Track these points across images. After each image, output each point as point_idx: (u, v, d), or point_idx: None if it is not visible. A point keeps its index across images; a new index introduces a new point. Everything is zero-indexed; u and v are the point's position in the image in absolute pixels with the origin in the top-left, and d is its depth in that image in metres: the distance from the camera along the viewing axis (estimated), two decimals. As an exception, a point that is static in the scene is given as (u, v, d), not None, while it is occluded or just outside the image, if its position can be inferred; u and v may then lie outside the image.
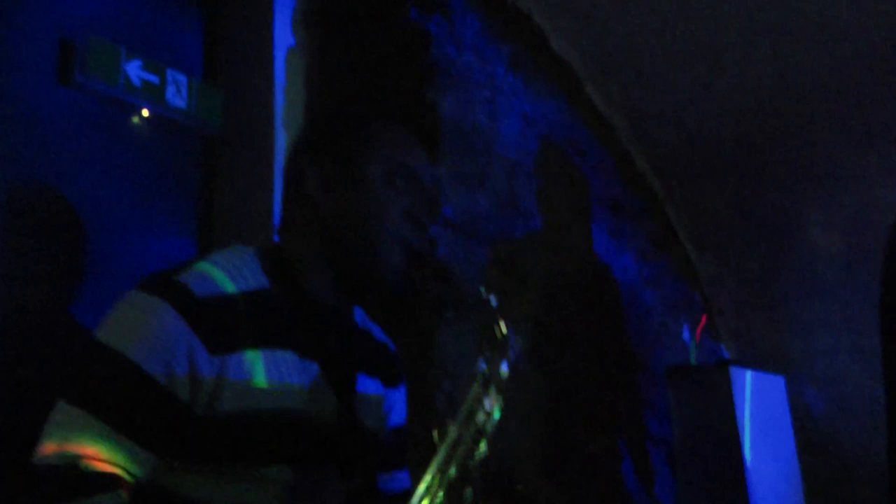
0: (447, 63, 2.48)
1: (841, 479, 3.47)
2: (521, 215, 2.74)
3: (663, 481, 3.16)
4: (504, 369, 1.11)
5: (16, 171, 1.71)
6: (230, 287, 1.05)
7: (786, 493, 3.04)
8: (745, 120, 3.23)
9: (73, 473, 0.92)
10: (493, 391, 1.09)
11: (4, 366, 1.56)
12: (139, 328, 0.99)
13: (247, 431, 1.01)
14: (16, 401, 1.55)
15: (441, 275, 1.19)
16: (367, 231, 1.14)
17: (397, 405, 1.33)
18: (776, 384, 3.25)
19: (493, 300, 1.14)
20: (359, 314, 1.30)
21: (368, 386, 1.22)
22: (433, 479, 1.02)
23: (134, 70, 1.92)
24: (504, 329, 1.13)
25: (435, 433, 1.07)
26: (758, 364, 3.27)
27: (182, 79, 2.04)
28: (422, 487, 1.01)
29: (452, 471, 1.02)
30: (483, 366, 1.10)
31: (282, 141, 2.09)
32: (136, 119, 2.00)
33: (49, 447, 0.94)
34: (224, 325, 1.02)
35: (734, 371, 2.99)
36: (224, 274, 1.07)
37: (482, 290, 1.14)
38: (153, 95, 1.97)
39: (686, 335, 3.44)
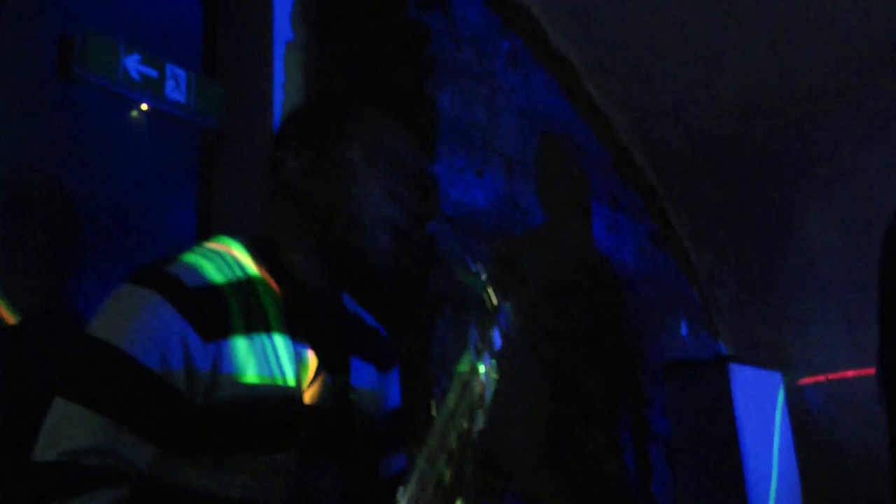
0: (446, 58, 2.48)
1: (838, 475, 3.48)
2: (520, 211, 2.74)
3: (661, 477, 3.16)
4: (496, 339, 1.12)
5: (15, 166, 1.70)
6: (219, 277, 1.06)
7: (783, 488, 3.05)
8: (744, 117, 3.23)
9: (74, 470, 0.92)
10: (487, 360, 1.10)
11: (4, 365, 1.56)
12: (132, 321, 0.99)
13: (244, 418, 1.01)
14: (16, 400, 1.55)
15: (441, 264, 1.19)
16: (352, 215, 1.15)
17: (392, 389, 1.34)
18: (774, 380, 3.26)
19: (482, 272, 1.15)
20: (348, 300, 1.31)
21: (363, 370, 1.23)
22: (432, 451, 1.03)
23: (133, 64, 1.92)
24: (494, 299, 1.14)
25: (432, 405, 1.07)
26: (755, 360, 3.27)
27: (181, 73, 2.04)
28: (420, 461, 1.02)
29: (452, 442, 1.03)
30: (475, 336, 1.11)
31: (281, 136, 2.09)
32: (134, 113, 2.00)
33: (48, 444, 0.94)
34: (216, 314, 1.02)
35: (732, 367, 3.00)
36: (212, 264, 1.07)
37: (468, 260, 1.15)
38: (152, 90, 1.97)
39: (684, 332, 3.45)
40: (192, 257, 1.07)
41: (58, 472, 0.92)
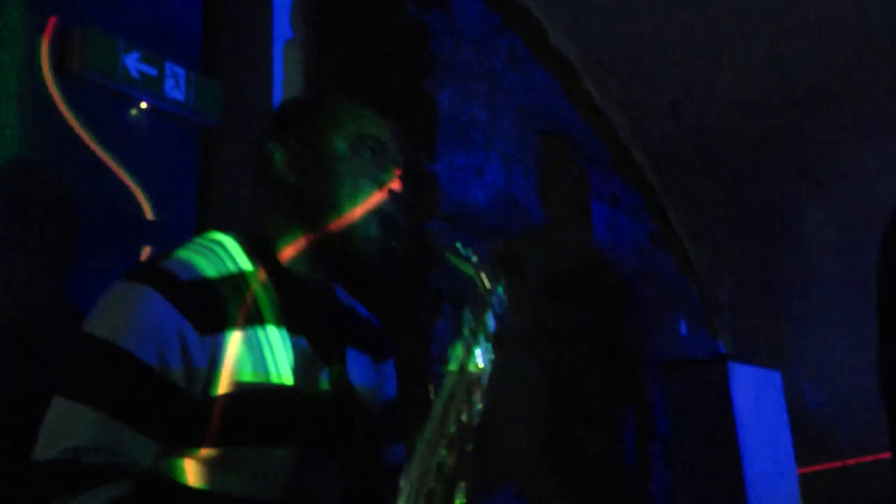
0: (446, 57, 2.48)
1: (837, 475, 3.48)
2: (520, 210, 2.74)
3: (661, 476, 3.17)
4: (491, 322, 1.13)
5: (13, 163, 1.70)
6: (213, 271, 1.07)
7: (782, 487, 3.05)
8: (744, 116, 3.23)
9: (75, 468, 0.92)
10: (482, 343, 1.10)
11: (3, 364, 1.56)
12: (128, 316, 1.00)
13: (243, 412, 1.01)
14: (16, 399, 1.54)
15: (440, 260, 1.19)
16: (341, 205, 1.16)
17: (388, 379, 1.34)
18: (772, 379, 3.26)
19: (473, 256, 1.16)
20: (341, 293, 1.31)
21: (359, 361, 1.23)
22: (432, 436, 1.03)
23: (132, 62, 1.92)
24: (487, 283, 1.15)
25: (430, 388, 1.08)
26: (755, 360, 3.28)
27: (180, 71, 2.04)
28: (420, 447, 1.03)
29: (451, 427, 1.04)
30: (470, 319, 1.12)
31: (280, 134, 2.09)
32: (134, 111, 2.00)
33: (48, 444, 0.93)
34: (212, 307, 1.03)
35: (731, 367, 3.00)
36: (206, 259, 1.08)
37: (458, 245, 1.16)
38: (151, 88, 1.97)
39: (683, 331, 3.45)
40: (185, 253, 1.08)
41: (58, 471, 0.92)
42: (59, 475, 0.92)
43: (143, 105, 2.00)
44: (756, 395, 3.08)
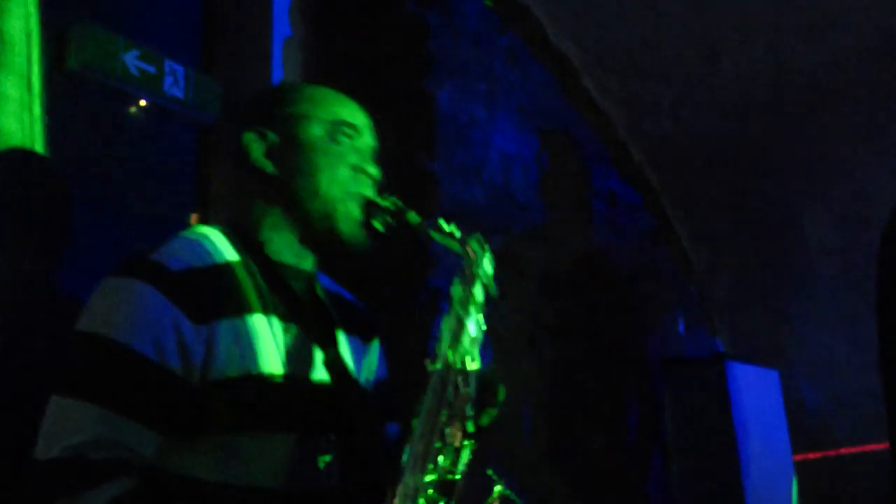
0: (445, 56, 2.48)
1: (834, 473, 3.49)
2: (519, 208, 2.74)
3: (659, 474, 3.17)
4: (479, 292, 1.15)
5: (13, 162, 1.70)
6: (200, 262, 1.07)
7: (779, 485, 3.06)
8: (743, 115, 3.23)
9: (79, 464, 0.91)
10: (473, 314, 1.13)
11: (3, 364, 1.56)
12: (122, 310, 1.00)
13: (240, 399, 1.02)
14: (16, 399, 1.54)
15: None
16: (321, 191, 1.17)
17: (377, 359, 1.35)
18: (770, 378, 3.27)
19: (455, 231, 1.18)
20: (325, 279, 1.32)
21: (349, 343, 1.24)
22: (431, 407, 1.05)
23: (132, 60, 1.92)
24: (472, 253, 1.17)
25: (427, 362, 1.09)
26: (753, 358, 3.28)
27: (180, 69, 2.03)
28: (421, 420, 1.04)
29: (450, 395, 1.06)
30: (459, 291, 1.14)
31: (279, 132, 2.09)
32: (133, 109, 2.00)
33: (49, 443, 0.93)
34: (203, 296, 1.04)
35: (729, 365, 3.01)
36: (192, 250, 1.09)
37: (441, 222, 1.17)
38: (151, 85, 1.97)
39: (682, 329, 3.45)
40: (173, 245, 1.09)
41: (62, 468, 0.91)
42: (64, 473, 0.91)
43: (143, 102, 2.00)
44: (754, 394, 3.08)
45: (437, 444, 1.04)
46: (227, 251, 1.12)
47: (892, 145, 3.14)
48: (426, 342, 2.08)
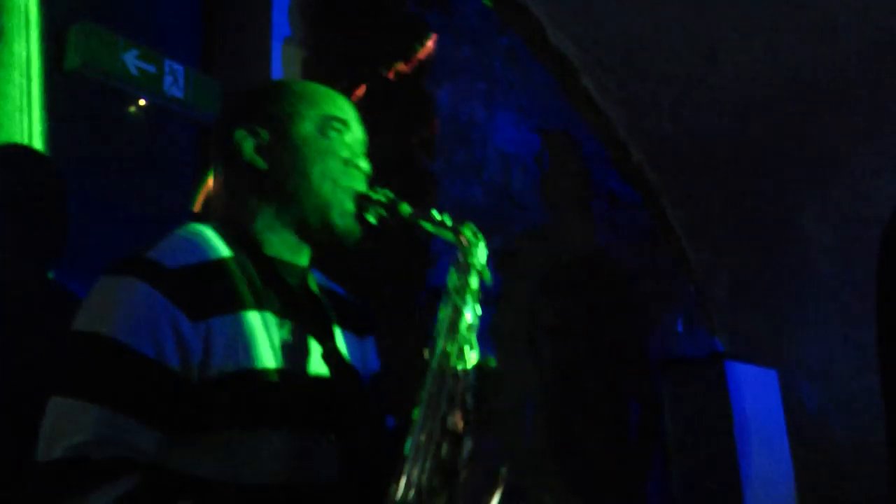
0: (445, 55, 2.48)
1: (833, 473, 3.49)
2: (518, 207, 2.74)
3: (659, 474, 3.17)
4: (474, 280, 1.16)
5: (13, 161, 1.70)
6: (195, 259, 1.07)
7: (778, 485, 3.06)
8: (742, 115, 3.23)
9: (82, 464, 0.91)
10: (469, 302, 1.14)
11: (2, 364, 1.56)
12: (119, 309, 1.00)
13: (239, 395, 1.02)
14: (16, 399, 1.54)
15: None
16: (314, 187, 1.18)
17: (371, 353, 1.35)
18: (769, 378, 3.27)
19: (448, 219, 1.18)
20: (319, 275, 1.33)
21: (344, 338, 1.25)
22: (432, 394, 1.06)
23: (131, 59, 1.92)
24: (465, 240, 1.18)
25: (426, 351, 1.10)
26: (752, 358, 3.28)
27: (179, 69, 2.04)
28: (422, 408, 1.04)
29: (450, 382, 1.07)
30: (455, 279, 1.15)
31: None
32: (133, 108, 2.00)
33: (51, 444, 0.93)
34: (200, 292, 1.03)
35: (728, 365, 3.00)
36: (188, 247, 1.09)
37: (433, 212, 1.18)
38: (150, 85, 1.97)
39: (681, 328, 3.45)
40: (167, 243, 1.09)
41: (66, 469, 0.91)
42: (68, 473, 0.91)
43: (142, 102, 2.00)
44: (753, 394, 3.08)
45: (439, 434, 1.04)
46: (221, 248, 1.12)
47: (892, 145, 3.14)
48: (426, 342, 2.08)
